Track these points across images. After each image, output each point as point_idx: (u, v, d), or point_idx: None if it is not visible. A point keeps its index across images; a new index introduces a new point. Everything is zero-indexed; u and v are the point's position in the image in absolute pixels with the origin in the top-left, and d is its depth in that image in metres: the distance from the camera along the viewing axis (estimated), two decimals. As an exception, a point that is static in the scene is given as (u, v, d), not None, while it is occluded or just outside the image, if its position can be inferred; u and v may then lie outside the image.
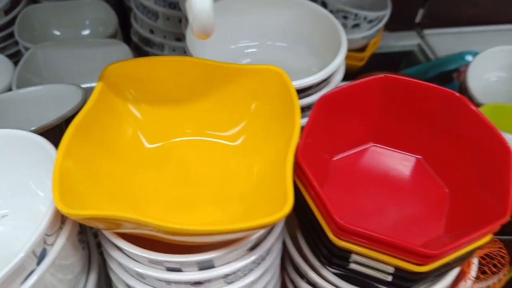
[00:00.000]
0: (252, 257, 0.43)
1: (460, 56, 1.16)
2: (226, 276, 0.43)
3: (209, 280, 0.42)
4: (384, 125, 0.52)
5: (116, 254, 0.43)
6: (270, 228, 0.45)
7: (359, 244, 0.40)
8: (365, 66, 1.08)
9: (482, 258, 0.54)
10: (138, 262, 0.42)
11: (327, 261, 0.45)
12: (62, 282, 0.40)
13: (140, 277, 0.44)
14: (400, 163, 0.52)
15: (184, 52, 0.59)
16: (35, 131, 0.47)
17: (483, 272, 0.54)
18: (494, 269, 0.53)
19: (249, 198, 0.45)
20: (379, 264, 0.42)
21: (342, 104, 0.49)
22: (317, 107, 0.46)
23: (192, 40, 0.56)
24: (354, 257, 0.42)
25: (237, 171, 0.48)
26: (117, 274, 0.45)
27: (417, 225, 0.48)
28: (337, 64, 0.53)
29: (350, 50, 1.01)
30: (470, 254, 0.44)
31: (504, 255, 0.53)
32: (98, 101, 0.45)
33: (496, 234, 0.55)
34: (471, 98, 0.93)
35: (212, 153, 0.50)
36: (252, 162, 0.48)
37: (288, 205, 0.37)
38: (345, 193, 0.50)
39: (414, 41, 1.28)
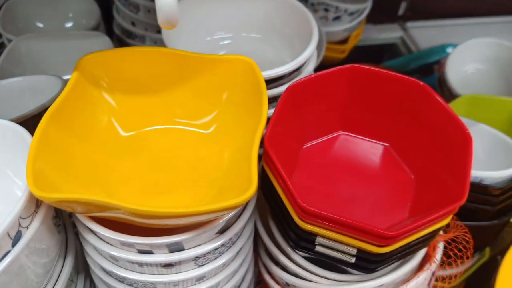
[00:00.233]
0: (221, 240, 0.45)
1: (441, 48, 1.18)
2: (196, 258, 0.44)
3: (179, 262, 0.44)
4: (353, 113, 0.53)
5: (90, 237, 0.45)
6: (239, 212, 0.47)
7: (323, 226, 0.42)
8: (347, 58, 1.09)
9: (448, 243, 0.56)
10: (111, 245, 0.44)
11: (295, 245, 0.47)
12: (37, 265, 0.42)
13: (114, 259, 0.45)
14: (368, 150, 0.54)
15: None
16: (15, 120, 0.48)
17: (448, 256, 0.55)
18: (458, 253, 0.55)
19: (219, 183, 0.47)
20: (343, 246, 0.43)
21: (311, 94, 0.51)
22: (284, 96, 0.48)
23: (167, 32, 0.57)
24: (319, 239, 0.44)
25: (208, 157, 0.50)
26: (92, 257, 0.47)
27: (384, 210, 0.50)
28: (308, 54, 0.55)
29: (331, 42, 1.03)
30: (431, 236, 0.46)
31: (468, 240, 0.55)
32: (74, 90, 0.47)
33: (462, 219, 0.57)
34: (450, 90, 0.96)
35: (185, 140, 0.52)
36: (223, 149, 0.50)
37: (251, 189, 0.39)
38: (315, 179, 0.52)
39: (396, 33, 1.30)
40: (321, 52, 0.88)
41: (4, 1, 0.87)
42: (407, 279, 0.50)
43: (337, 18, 0.98)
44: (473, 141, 0.46)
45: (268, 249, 0.53)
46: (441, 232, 0.54)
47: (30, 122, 0.50)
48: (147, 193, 0.47)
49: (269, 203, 0.50)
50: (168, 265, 0.44)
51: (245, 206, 0.48)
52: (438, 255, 0.52)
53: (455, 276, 0.60)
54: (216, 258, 0.47)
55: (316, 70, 0.52)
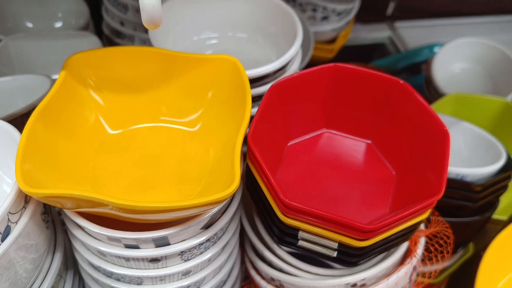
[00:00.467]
0: (206, 235, 0.46)
1: (429, 48, 1.19)
2: (182, 253, 0.46)
3: (165, 257, 0.45)
4: (336, 111, 0.55)
5: (78, 233, 0.46)
6: (224, 208, 0.48)
7: (304, 221, 0.43)
8: (336, 58, 1.09)
9: (430, 238, 0.57)
10: (99, 240, 0.45)
11: (279, 240, 0.48)
12: (26, 260, 0.43)
13: (101, 254, 0.46)
14: (351, 147, 0.55)
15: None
16: (4, 119, 0.48)
17: (429, 251, 0.57)
18: (439, 248, 0.56)
19: (205, 179, 0.48)
20: (324, 240, 0.45)
21: (294, 92, 0.52)
22: (268, 95, 0.49)
23: (155, 32, 0.58)
24: (301, 234, 0.45)
25: (194, 154, 0.51)
26: (81, 253, 0.48)
27: (366, 205, 0.51)
28: (292, 53, 0.56)
29: (320, 42, 1.04)
30: (411, 230, 0.47)
31: (449, 235, 0.56)
32: (61, 89, 0.48)
33: (445, 215, 0.58)
34: (436, 89, 0.97)
35: (172, 138, 0.53)
36: (209, 146, 0.51)
37: (234, 184, 0.40)
38: (299, 176, 0.53)
39: (385, 33, 1.30)
40: (309, 52, 0.89)
41: (-7, 1, 0.87)
42: (389, 273, 0.51)
43: (325, 18, 0.99)
44: (451, 137, 0.47)
45: (254, 244, 0.54)
46: (422, 227, 0.56)
47: (19, 121, 0.51)
48: (134, 189, 0.48)
49: (254, 200, 0.51)
50: (155, 260, 0.45)
51: (230, 202, 0.49)
52: (419, 249, 0.53)
53: (435, 271, 0.61)
54: (201, 253, 0.48)
55: (304, 69, 0.53)
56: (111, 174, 0.49)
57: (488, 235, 0.72)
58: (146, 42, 0.85)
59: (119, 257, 0.45)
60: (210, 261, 0.49)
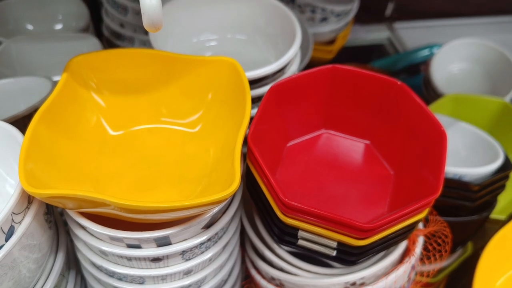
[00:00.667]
0: (207, 235, 0.46)
1: (428, 48, 1.20)
2: (183, 252, 0.46)
3: (167, 256, 0.46)
4: (335, 112, 0.55)
5: (80, 233, 0.46)
6: (225, 208, 0.48)
7: (304, 220, 0.44)
8: (335, 58, 1.10)
9: (428, 238, 0.58)
10: (101, 240, 0.45)
11: (279, 239, 0.49)
12: (29, 259, 0.43)
13: (104, 254, 0.47)
14: (350, 148, 0.56)
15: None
16: (6, 121, 0.49)
17: (427, 250, 0.57)
18: (438, 247, 0.57)
19: (205, 179, 0.49)
20: (323, 239, 0.45)
21: (293, 93, 0.52)
22: (267, 96, 0.50)
23: (155, 34, 0.58)
24: (301, 233, 0.46)
25: (195, 155, 0.51)
26: (83, 252, 0.48)
27: (364, 205, 0.51)
28: (291, 55, 0.57)
29: (319, 43, 1.04)
30: (409, 229, 0.48)
31: (447, 234, 0.57)
32: (63, 91, 0.48)
33: (443, 215, 0.59)
34: (434, 89, 0.98)
35: (172, 139, 0.53)
36: (209, 147, 0.51)
37: (234, 184, 0.40)
38: (299, 176, 0.53)
39: (384, 34, 1.31)
40: (308, 53, 0.89)
41: (-6, 4, 0.88)
42: (387, 272, 0.52)
43: (324, 19, 0.99)
44: (449, 138, 0.48)
45: (254, 244, 0.55)
46: (420, 227, 0.56)
47: (21, 123, 0.51)
48: (135, 189, 0.49)
49: (254, 200, 0.51)
50: (156, 259, 0.46)
51: (230, 202, 0.49)
52: (418, 248, 0.54)
53: (434, 270, 0.62)
54: (202, 252, 0.48)
55: (303, 70, 0.54)
56: (112, 175, 0.50)
57: (487, 234, 0.72)
58: (146, 44, 0.86)
59: (121, 256, 0.45)
60: (211, 260, 0.50)
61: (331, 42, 1.08)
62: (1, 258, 0.39)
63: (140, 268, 0.47)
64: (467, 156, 0.72)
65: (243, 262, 0.60)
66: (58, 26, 0.93)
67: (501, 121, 0.85)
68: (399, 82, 0.51)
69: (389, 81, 0.52)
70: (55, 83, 0.59)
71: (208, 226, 0.47)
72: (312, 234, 0.45)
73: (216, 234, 0.48)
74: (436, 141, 0.48)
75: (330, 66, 0.52)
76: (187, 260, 0.47)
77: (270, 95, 0.50)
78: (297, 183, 0.52)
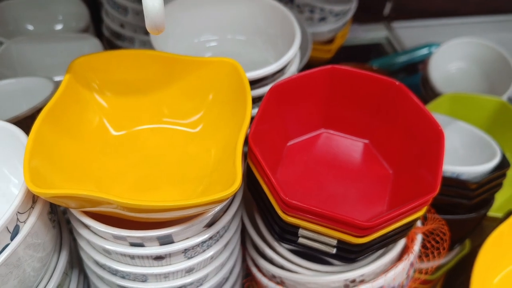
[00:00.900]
0: (209, 233, 0.47)
1: (426, 48, 1.20)
2: (185, 251, 0.47)
3: (169, 255, 0.46)
4: (334, 112, 0.56)
5: (84, 231, 0.47)
6: (226, 207, 0.49)
7: (304, 219, 0.45)
8: (334, 58, 1.10)
9: (426, 235, 0.58)
10: (104, 238, 0.46)
11: (280, 237, 0.49)
12: (34, 258, 0.44)
13: (107, 253, 0.48)
14: (349, 147, 0.57)
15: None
16: (8, 121, 0.50)
17: (426, 248, 0.58)
18: (436, 245, 0.58)
19: (207, 179, 0.49)
20: (323, 237, 0.46)
21: (293, 93, 0.53)
22: (267, 96, 0.50)
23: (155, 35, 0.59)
24: (301, 231, 0.46)
25: (196, 155, 0.52)
26: (86, 251, 0.49)
27: (364, 204, 0.52)
28: (291, 55, 0.57)
29: (318, 42, 1.05)
30: (408, 227, 0.48)
31: (445, 232, 0.58)
32: (66, 92, 0.49)
33: (441, 213, 0.60)
34: (432, 88, 0.98)
35: (174, 139, 0.54)
36: (210, 147, 0.52)
37: (235, 184, 0.41)
38: (299, 175, 0.54)
39: (382, 33, 1.31)
40: (307, 53, 0.90)
41: (-6, 5, 0.88)
42: (386, 269, 0.52)
43: (322, 19, 1.00)
44: (447, 137, 0.49)
45: (255, 242, 0.55)
46: (419, 225, 0.57)
47: (23, 123, 0.52)
48: (138, 189, 0.49)
49: (254, 198, 0.52)
50: (159, 258, 0.46)
51: (231, 201, 0.50)
52: (416, 246, 0.54)
53: (432, 267, 0.62)
54: (204, 250, 0.49)
55: (303, 70, 0.54)
56: (115, 174, 0.50)
57: (484, 232, 0.73)
58: (147, 44, 0.86)
59: (124, 255, 0.46)
60: (212, 258, 0.51)
61: (330, 41, 1.08)
62: (7, 257, 0.40)
63: (143, 266, 0.48)
64: (464, 155, 0.72)
65: (244, 260, 0.61)
66: (59, 27, 0.94)
67: (498, 120, 0.86)
68: (397, 82, 0.52)
69: (387, 81, 0.52)
70: (56, 84, 0.59)
71: (209, 224, 0.47)
72: (312, 232, 0.46)
73: (218, 232, 0.48)
74: (434, 140, 0.49)
75: (329, 66, 0.53)
76: (189, 258, 0.48)
77: (270, 95, 0.50)
78: (297, 182, 0.53)
